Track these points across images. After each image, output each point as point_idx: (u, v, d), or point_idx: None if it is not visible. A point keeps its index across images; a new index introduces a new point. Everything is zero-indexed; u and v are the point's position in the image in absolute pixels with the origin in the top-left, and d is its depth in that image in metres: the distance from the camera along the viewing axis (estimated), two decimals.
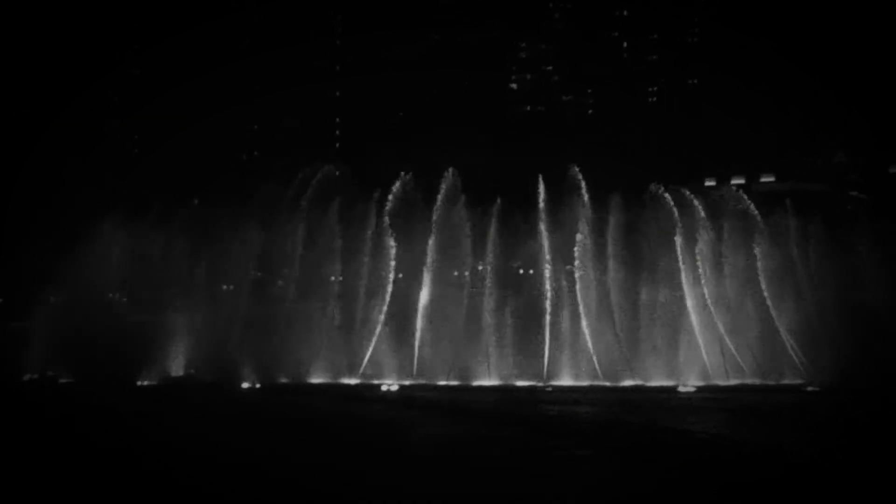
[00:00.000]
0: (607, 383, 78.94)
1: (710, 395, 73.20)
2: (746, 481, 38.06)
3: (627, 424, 56.88)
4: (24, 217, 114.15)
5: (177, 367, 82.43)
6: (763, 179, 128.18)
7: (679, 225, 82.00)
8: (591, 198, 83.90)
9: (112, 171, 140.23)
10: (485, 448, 47.60)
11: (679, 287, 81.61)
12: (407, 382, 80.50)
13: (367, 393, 76.86)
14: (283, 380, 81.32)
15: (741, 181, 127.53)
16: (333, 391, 77.98)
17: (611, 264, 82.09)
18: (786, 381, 78.13)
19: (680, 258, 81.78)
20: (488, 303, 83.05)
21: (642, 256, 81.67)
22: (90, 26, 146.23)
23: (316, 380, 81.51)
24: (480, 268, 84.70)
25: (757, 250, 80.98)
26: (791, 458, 43.98)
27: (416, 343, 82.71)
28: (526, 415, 62.95)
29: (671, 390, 76.62)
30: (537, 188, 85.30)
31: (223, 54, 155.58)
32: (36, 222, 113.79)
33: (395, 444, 48.71)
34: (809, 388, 76.04)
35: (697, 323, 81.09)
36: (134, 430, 53.21)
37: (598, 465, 43.17)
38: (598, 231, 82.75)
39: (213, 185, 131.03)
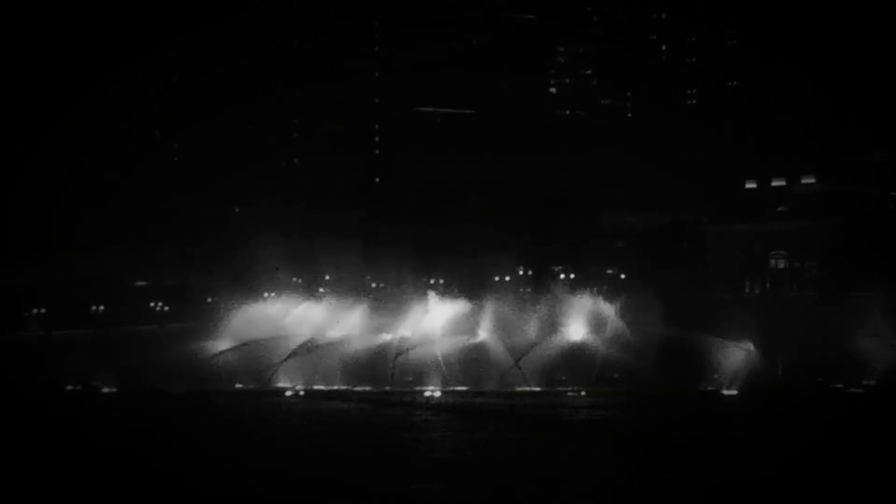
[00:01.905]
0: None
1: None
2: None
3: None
4: (27, 225, 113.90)
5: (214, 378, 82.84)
6: (804, 181, 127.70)
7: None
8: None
9: (114, 170, 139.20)
10: (497, 449, 49.69)
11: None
12: (445, 389, 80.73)
13: (408, 399, 77.35)
14: (324, 387, 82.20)
15: (782, 183, 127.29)
16: (373, 398, 78.49)
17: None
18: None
19: None
20: (528, 310, 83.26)
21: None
22: (91, 26, 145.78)
23: (357, 387, 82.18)
24: (521, 272, 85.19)
25: None
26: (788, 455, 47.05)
27: (454, 351, 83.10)
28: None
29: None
30: (571, 199, 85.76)
31: (229, 53, 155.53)
32: (40, 232, 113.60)
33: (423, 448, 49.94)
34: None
35: None
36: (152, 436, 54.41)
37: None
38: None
39: (215, 185, 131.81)
